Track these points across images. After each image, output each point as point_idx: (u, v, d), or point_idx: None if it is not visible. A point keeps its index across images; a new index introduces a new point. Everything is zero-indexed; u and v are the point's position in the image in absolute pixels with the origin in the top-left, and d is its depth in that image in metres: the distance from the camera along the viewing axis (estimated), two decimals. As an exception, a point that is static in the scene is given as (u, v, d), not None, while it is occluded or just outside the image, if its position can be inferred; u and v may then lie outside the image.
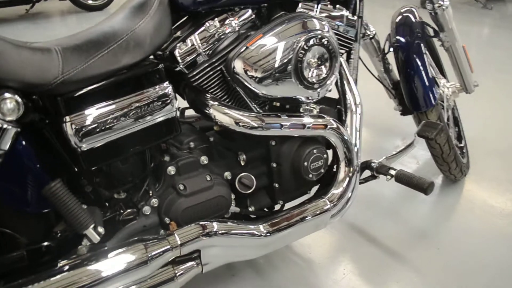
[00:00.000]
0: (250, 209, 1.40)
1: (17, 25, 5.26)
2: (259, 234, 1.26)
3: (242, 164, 1.36)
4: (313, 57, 1.25)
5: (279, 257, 1.66)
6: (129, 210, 1.23)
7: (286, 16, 1.28)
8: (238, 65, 1.22)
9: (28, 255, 1.09)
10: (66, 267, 1.06)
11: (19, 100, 0.95)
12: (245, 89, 1.25)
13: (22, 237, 1.11)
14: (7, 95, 0.94)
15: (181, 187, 1.24)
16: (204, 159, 1.28)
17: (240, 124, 1.26)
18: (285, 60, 1.23)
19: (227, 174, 1.33)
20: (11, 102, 0.94)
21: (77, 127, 1.05)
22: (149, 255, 1.10)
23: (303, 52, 1.23)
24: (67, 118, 1.05)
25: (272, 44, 1.22)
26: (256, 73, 1.22)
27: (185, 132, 1.34)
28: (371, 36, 1.83)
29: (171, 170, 1.24)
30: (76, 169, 1.12)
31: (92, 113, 1.07)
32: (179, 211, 1.22)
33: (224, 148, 1.37)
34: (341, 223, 1.83)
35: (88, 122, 1.06)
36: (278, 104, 1.36)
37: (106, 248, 1.13)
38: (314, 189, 1.51)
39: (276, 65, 1.23)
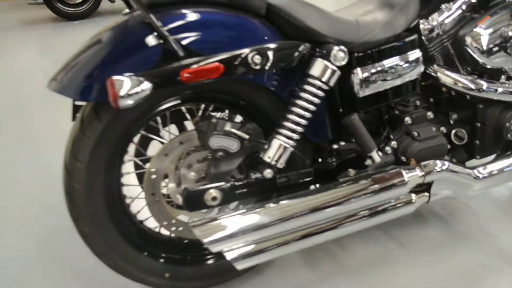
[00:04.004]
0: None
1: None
2: (475, 176, 1.58)
3: (452, 122, 1.68)
4: (526, 37, 1.57)
5: (459, 211, 1.97)
6: (372, 150, 1.58)
7: (505, 2, 1.60)
8: (469, 40, 1.56)
9: (314, 173, 1.47)
10: (342, 183, 1.42)
11: (346, 51, 1.33)
12: (470, 59, 1.58)
13: (307, 159, 1.49)
14: (341, 47, 1.31)
15: (416, 133, 1.57)
16: (430, 114, 1.62)
17: (460, 85, 1.59)
18: (506, 37, 1.55)
19: (443, 129, 1.66)
20: (343, 52, 1.32)
21: (361, 78, 1.42)
22: (406, 178, 1.44)
23: (520, 32, 1.55)
24: (356, 70, 1.42)
25: (497, 24, 1.56)
26: (482, 46, 1.55)
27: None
28: None
29: (408, 120, 1.58)
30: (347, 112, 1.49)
31: (371, 69, 1.43)
32: (414, 152, 1.56)
33: (438, 108, 1.70)
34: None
35: (368, 75, 1.43)
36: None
37: (369, 172, 1.48)
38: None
39: (499, 41, 1.55)
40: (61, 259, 1.80)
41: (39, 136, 2.97)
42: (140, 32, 1.24)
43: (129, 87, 1.12)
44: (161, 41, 1.22)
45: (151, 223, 1.54)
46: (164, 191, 1.46)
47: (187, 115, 1.48)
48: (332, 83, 1.33)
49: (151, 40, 1.23)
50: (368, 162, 1.45)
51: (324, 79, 1.32)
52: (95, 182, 1.33)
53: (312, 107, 1.33)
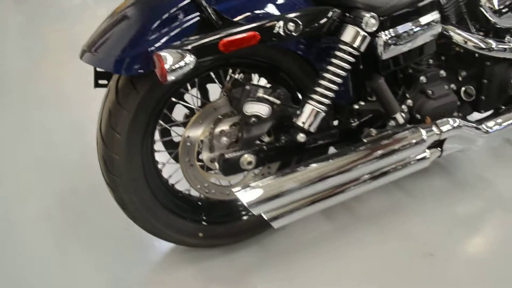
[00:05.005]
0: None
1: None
2: (484, 131, 1.70)
3: (460, 79, 1.76)
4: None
5: (457, 160, 2.10)
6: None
7: (518, -37, 1.65)
8: (483, 0, 1.61)
9: (338, 134, 1.54)
10: (367, 144, 1.51)
11: (377, 18, 1.35)
12: (483, 18, 1.65)
13: (331, 121, 1.55)
14: (372, 13, 1.34)
15: (430, 92, 1.64)
16: (442, 73, 1.69)
17: (471, 44, 1.65)
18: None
19: (453, 86, 1.74)
20: (374, 18, 1.35)
21: (385, 41, 1.46)
22: (425, 136, 1.54)
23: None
24: (380, 34, 1.45)
25: (510, -15, 1.61)
26: (495, 6, 1.62)
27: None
28: None
29: (423, 79, 1.64)
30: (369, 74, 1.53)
31: (395, 32, 1.47)
32: (429, 110, 1.63)
33: (447, 66, 1.77)
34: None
35: (392, 38, 1.47)
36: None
37: (389, 131, 1.56)
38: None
39: (510, 1, 1.61)
40: (86, 220, 1.85)
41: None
42: (176, 1, 1.23)
43: (175, 61, 1.14)
44: (198, 10, 1.22)
45: (181, 186, 1.60)
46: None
47: (216, 81, 1.50)
48: (362, 48, 1.37)
49: (188, 9, 1.23)
50: (392, 123, 1.53)
51: (355, 45, 1.35)
52: (133, 151, 1.36)
53: (343, 73, 1.37)
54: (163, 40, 1.21)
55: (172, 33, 1.22)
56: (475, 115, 1.85)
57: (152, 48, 1.20)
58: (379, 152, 1.48)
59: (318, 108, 1.38)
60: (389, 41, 1.46)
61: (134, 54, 1.20)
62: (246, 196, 1.31)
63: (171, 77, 1.14)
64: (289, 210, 1.41)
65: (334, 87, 1.38)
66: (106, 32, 1.27)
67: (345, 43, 1.35)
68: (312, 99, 1.38)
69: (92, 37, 1.31)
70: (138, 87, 1.28)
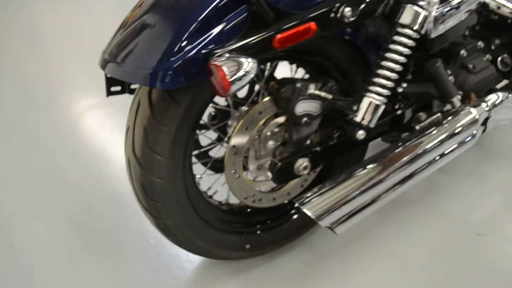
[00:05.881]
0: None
1: None
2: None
3: (493, 48, 1.67)
4: None
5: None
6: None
7: None
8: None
9: (390, 122, 1.41)
10: (421, 132, 1.39)
11: None
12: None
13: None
14: None
15: (471, 66, 1.54)
16: (480, 44, 1.58)
17: (506, 9, 1.55)
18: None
19: (488, 56, 1.64)
20: None
21: (436, 16, 1.31)
22: (477, 115, 1.44)
23: None
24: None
25: None
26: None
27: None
28: None
29: (463, 53, 1.53)
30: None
31: (444, 7, 1.33)
32: (471, 85, 1.54)
33: (480, 35, 1.67)
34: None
35: (441, 14, 1.32)
36: None
37: (439, 114, 1.45)
38: None
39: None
40: (103, 236, 1.66)
41: None
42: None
43: (237, 70, 0.96)
44: (245, 2, 1.04)
45: (218, 196, 1.45)
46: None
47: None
48: (424, 30, 1.23)
49: (232, 3, 1.04)
50: (448, 107, 1.42)
51: (416, 27, 1.21)
52: (176, 170, 1.18)
53: (403, 59, 1.23)
54: (206, 43, 1.01)
55: (217, 34, 1.02)
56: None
57: (195, 54, 1.00)
58: (436, 138, 1.37)
59: (378, 100, 1.24)
60: (440, 17, 1.32)
61: (175, 64, 0.99)
62: (313, 210, 1.17)
63: (234, 89, 0.96)
64: (351, 214, 1.30)
65: (394, 75, 1.24)
66: (129, 41, 1.06)
67: (404, 26, 1.21)
68: (370, 91, 1.24)
69: (112, 46, 1.10)
70: (178, 99, 1.09)
